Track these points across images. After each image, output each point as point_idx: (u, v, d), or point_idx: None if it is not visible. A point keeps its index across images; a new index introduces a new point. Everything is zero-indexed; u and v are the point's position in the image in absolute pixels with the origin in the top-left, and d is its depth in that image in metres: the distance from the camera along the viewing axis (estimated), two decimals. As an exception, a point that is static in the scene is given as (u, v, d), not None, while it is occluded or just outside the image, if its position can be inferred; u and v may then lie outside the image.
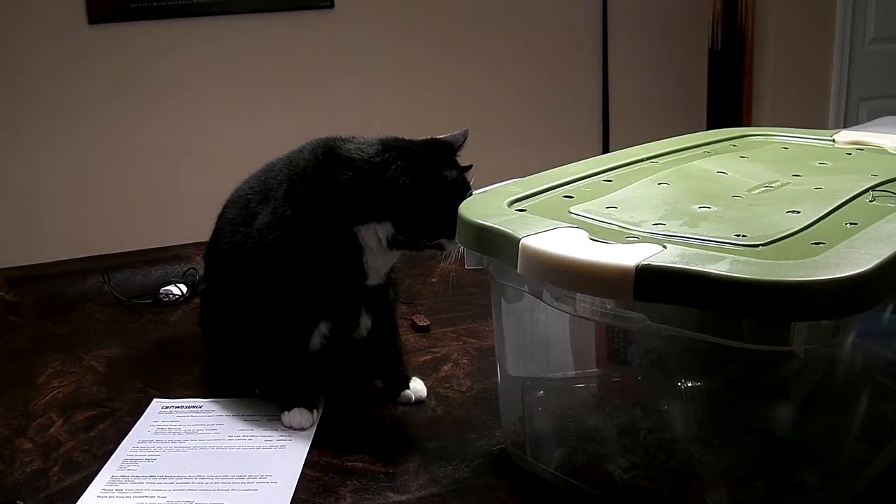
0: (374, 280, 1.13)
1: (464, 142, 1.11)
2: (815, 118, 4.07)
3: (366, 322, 1.17)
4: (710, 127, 3.83)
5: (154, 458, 1.06)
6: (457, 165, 1.08)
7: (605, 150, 3.89)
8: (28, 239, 3.12)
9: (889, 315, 0.89)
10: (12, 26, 3.07)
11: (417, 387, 1.18)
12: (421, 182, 1.04)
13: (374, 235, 1.07)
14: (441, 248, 1.07)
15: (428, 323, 1.39)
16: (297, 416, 1.11)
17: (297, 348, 1.13)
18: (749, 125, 3.89)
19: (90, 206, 3.28)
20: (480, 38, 3.69)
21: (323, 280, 1.09)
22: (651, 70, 4.00)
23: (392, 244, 1.07)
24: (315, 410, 1.12)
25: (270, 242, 1.09)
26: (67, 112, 3.20)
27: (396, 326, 1.23)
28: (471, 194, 1.01)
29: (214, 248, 1.21)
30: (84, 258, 1.76)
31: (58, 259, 1.79)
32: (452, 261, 1.06)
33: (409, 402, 1.16)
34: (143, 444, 1.09)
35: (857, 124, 3.73)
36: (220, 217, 1.21)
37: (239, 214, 1.15)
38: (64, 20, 3.13)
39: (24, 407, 1.20)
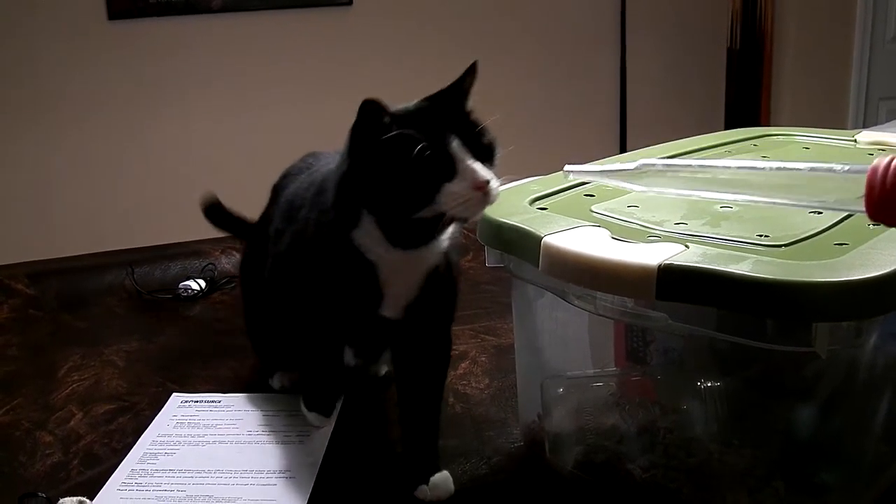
0: (389, 308, 0.95)
1: (468, 78, 0.93)
2: (834, 118, 4.05)
3: (386, 358, 1.08)
4: (728, 126, 3.82)
5: (173, 452, 1.06)
6: (419, 120, 0.85)
7: (623, 149, 3.88)
8: (47, 233, 3.14)
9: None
10: (34, 21, 3.09)
11: (439, 482, 0.95)
12: (357, 150, 0.87)
13: (369, 237, 0.89)
14: (439, 216, 0.84)
15: (446, 320, 1.39)
16: (314, 418, 1.07)
17: (328, 358, 1.07)
18: (768, 125, 3.88)
19: (109, 200, 3.29)
20: (499, 37, 3.69)
21: (339, 306, 0.96)
22: (669, 69, 3.99)
23: (391, 240, 0.88)
24: (332, 415, 1.09)
25: (290, 267, 1.00)
26: (87, 107, 3.21)
27: (440, 396, 1.03)
28: (424, 146, 0.81)
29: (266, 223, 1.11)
30: (103, 252, 1.77)
31: (77, 253, 1.80)
32: (458, 215, 0.85)
33: (423, 499, 0.95)
34: (162, 438, 1.09)
35: (876, 124, 3.71)
36: (275, 197, 1.12)
37: (283, 215, 1.05)
38: (84, 15, 3.14)
39: (45, 400, 1.20)
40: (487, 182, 0.82)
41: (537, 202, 0.93)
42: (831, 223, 0.81)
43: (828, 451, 0.85)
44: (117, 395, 1.22)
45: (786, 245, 0.77)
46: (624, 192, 0.95)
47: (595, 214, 0.88)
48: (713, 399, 0.90)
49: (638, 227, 0.84)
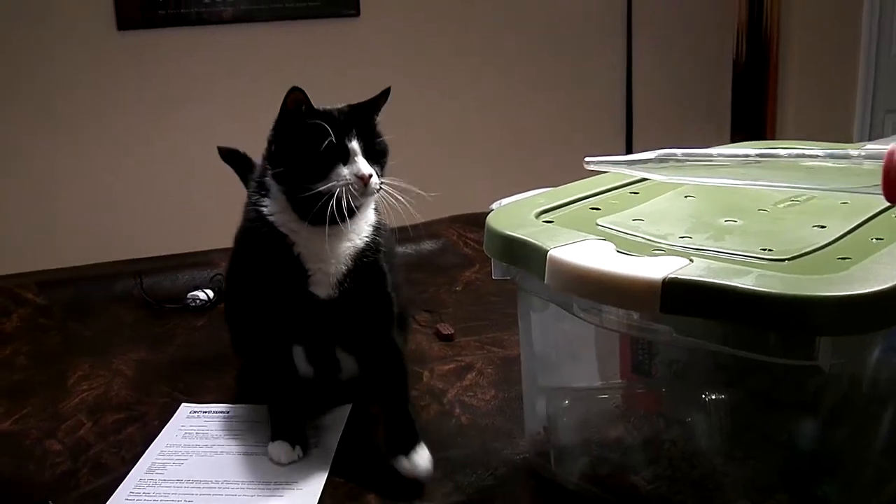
0: (318, 286, 1.05)
1: (380, 100, 1.10)
2: (839, 130, 4.05)
3: (348, 363, 1.14)
4: (733, 138, 3.82)
5: (181, 462, 1.07)
6: (334, 119, 1.04)
7: (628, 160, 3.88)
8: (57, 243, 3.15)
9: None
10: (44, 32, 3.10)
11: (418, 459, 1.00)
12: (279, 128, 1.06)
13: (281, 212, 1.05)
14: (328, 192, 1.00)
15: (452, 331, 1.40)
16: (276, 449, 1.06)
17: (280, 367, 1.11)
18: (773, 137, 3.88)
19: (118, 210, 3.31)
20: (507, 50, 3.70)
21: (269, 290, 1.08)
22: (675, 81, 3.99)
23: (297, 211, 1.03)
24: (298, 446, 1.07)
25: (235, 254, 1.18)
26: (96, 116, 3.23)
27: (405, 381, 1.09)
28: (331, 140, 1.01)
29: None
30: (112, 262, 1.78)
31: (86, 263, 1.81)
32: (341, 195, 1.00)
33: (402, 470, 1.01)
34: (170, 449, 1.10)
35: (881, 137, 3.71)
36: None
37: None
38: (94, 26, 3.16)
39: (54, 409, 1.21)
40: (369, 175, 1.02)
41: (543, 215, 0.94)
42: (834, 237, 0.82)
43: (830, 464, 0.86)
44: (126, 404, 1.23)
45: (789, 259, 0.77)
46: (629, 205, 0.96)
47: (601, 228, 0.89)
48: (717, 411, 0.91)
49: (643, 240, 0.84)
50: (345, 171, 1.01)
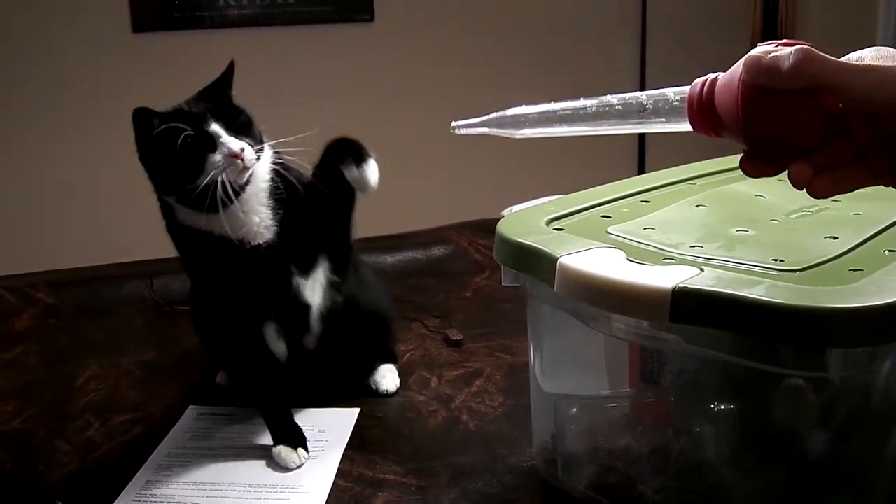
0: (259, 237, 1.08)
1: (227, 76, 1.17)
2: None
3: (315, 296, 1.13)
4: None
5: (188, 464, 1.07)
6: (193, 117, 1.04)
7: (641, 168, 3.87)
8: (69, 243, 3.16)
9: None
10: (58, 34, 3.12)
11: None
12: (143, 152, 1.08)
13: (191, 216, 1.06)
14: (211, 183, 1.02)
15: (461, 337, 1.39)
16: (283, 454, 1.06)
17: (257, 356, 1.13)
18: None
19: (130, 211, 3.29)
20: (521, 55, 3.69)
21: (223, 277, 1.11)
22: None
23: (200, 209, 1.04)
24: (301, 448, 1.07)
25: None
26: (110, 118, 3.20)
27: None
28: (187, 131, 1.01)
29: None
30: (123, 263, 1.79)
31: (98, 263, 1.81)
32: (224, 179, 1.02)
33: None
34: (177, 450, 1.10)
35: None
36: None
37: None
38: (109, 28, 3.17)
39: (63, 409, 1.21)
40: (242, 150, 1.02)
41: (554, 223, 0.94)
42: (846, 249, 0.81)
43: (840, 478, 0.85)
44: (134, 405, 1.23)
45: (801, 270, 0.77)
46: (640, 213, 0.96)
47: (611, 236, 0.88)
48: (726, 422, 0.91)
49: (653, 249, 0.84)
50: (216, 157, 1.01)
